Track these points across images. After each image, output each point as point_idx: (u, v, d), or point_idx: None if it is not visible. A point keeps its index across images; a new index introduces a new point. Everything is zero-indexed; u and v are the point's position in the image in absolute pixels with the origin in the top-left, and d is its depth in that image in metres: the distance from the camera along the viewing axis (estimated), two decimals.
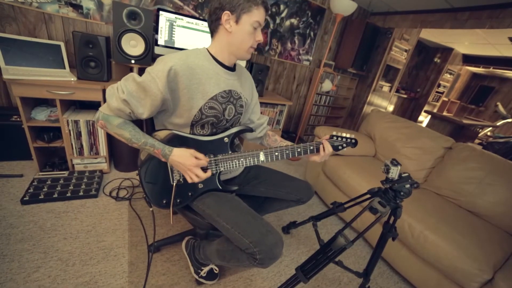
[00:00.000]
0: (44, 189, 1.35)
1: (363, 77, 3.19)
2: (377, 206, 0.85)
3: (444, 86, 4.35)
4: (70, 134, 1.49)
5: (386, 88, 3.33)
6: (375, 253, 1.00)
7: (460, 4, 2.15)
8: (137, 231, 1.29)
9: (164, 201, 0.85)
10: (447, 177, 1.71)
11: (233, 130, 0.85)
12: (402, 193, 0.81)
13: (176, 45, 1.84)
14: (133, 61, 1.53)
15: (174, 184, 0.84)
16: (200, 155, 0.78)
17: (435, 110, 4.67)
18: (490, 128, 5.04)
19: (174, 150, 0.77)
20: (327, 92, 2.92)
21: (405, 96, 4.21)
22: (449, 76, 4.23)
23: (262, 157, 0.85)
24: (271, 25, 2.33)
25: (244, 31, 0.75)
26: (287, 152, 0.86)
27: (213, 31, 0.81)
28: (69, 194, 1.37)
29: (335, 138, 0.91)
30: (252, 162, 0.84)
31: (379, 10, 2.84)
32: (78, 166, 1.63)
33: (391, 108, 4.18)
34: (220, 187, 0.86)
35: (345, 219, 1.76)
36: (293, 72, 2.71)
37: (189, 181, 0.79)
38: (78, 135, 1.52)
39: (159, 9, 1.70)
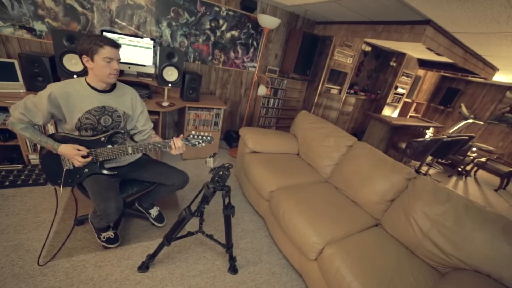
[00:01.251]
0: None
1: (311, 81, 3.49)
2: (205, 188, 1.17)
3: (403, 88, 4.60)
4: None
5: (334, 91, 3.62)
6: (226, 227, 1.32)
7: (376, 18, 2.44)
8: (72, 210, 1.64)
9: (59, 181, 1.21)
10: (342, 172, 2.00)
11: (107, 133, 1.20)
12: (217, 178, 1.13)
13: (121, 61, 2.17)
14: (75, 76, 1.87)
15: (65, 168, 1.20)
16: (81, 148, 1.13)
17: (397, 111, 4.92)
18: (455, 129, 5.29)
19: (61, 145, 1.12)
20: (267, 96, 3.22)
21: (364, 97, 4.48)
22: (406, 78, 4.48)
23: (130, 150, 1.19)
24: (212, 38, 2.65)
25: (99, 65, 1.08)
26: (149, 146, 1.19)
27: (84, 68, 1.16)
28: (19, 182, 1.73)
29: (191, 136, 1.22)
30: (122, 154, 1.19)
31: (320, 20, 3.13)
32: (34, 160, 1.99)
33: (350, 109, 4.46)
34: (101, 171, 1.23)
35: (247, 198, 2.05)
36: (239, 78, 3.03)
37: (76, 165, 1.14)
38: None
39: (102, 31, 2.04)
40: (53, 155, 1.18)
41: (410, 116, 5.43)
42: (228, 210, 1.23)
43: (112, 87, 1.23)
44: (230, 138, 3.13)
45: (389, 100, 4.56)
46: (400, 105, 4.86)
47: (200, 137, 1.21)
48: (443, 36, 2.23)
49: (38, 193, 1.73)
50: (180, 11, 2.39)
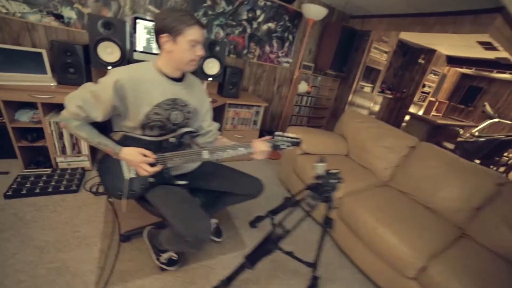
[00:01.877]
0: (26, 185, 1.47)
1: (344, 78, 3.29)
2: (308, 199, 0.96)
3: (430, 87, 4.43)
4: (52, 135, 1.62)
5: (367, 89, 3.43)
6: (320, 244, 1.11)
7: (428, 10, 2.25)
8: (112, 223, 1.41)
9: (119, 193, 0.98)
10: (408, 174, 1.81)
11: (180, 131, 0.97)
12: (327, 188, 0.92)
13: (154, 51, 1.95)
14: (109, 67, 1.65)
15: (128, 178, 0.96)
16: (148, 152, 0.91)
17: (421, 110, 4.76)
18: (479, 127, 5.14)
19: (123, 149, 0.89)
20: (308, 93, 3.02)
21: (390, 96, 4.30)
22: (434, 76, 4.31)
23: (206, 155, 0.96)
24: (248, 30, 2.44)
25: (182, 49, 0.86)
26: (228, 150, 0.97)
27: (159, 48, 0.91)
28: (50, 190, 1.49)
29: (277, 137, 1.01)
30: (196, 159, 0.97)
31: (358, 13, 2.94)
32: (62, 164, 1.75)
33: (376, 108, 4.27)
34: (170, 181, 0.98)
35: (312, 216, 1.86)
36: (273, 74, 2.82)
37: (141, 174, 0.91)
38: (60, 135, 1.64)
39: (135, 18, 1.81)
40: (113, 161, 0.96)
41: (433, 116, 5.27)
42: (329, 225, 1.02)
43: (182, 75, 1.00)
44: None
45: (415, 98, 4.39)
46: (425, 104, 4.70)
47: (287, 138, 1.00)
48: (509, 27, 2.05)
49: (72, 202, 1.50)
50: None
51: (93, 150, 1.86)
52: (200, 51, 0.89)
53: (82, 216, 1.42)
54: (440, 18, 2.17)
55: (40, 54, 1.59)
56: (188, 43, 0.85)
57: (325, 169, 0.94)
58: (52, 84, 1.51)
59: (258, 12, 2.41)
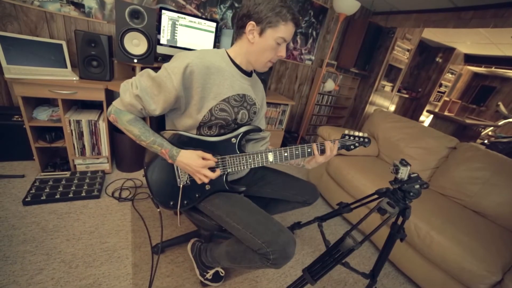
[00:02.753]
0: (46, 190, 1.33)
1: (365, 77, 3.18)
2: (385, 206, 0.84)
3: (446, 86, 4.34)
4: (72, 134, 1.48)
5: (388, 88, 3.32)
6: (383, 254, 0.99)
7: (464, 3, 2.14)
8: (140, 232, 1.28)
9: (172, 203, 0.84)
10: (451, 177, 1.70)
11: (241, 130, 0.84)
12: (411, 194, 0.80)
13: (178, 45, 1.83)
14: (135, 60, 1.51)
15: (181, 186, 0.82)
16: (208, 155, 0.77)
17: (436, 110, 4.66)
18: (492, 128, 5.05)
19: (182, 152, 0.75)
20: (329, 92, 2.90)
21: (406, 95, 4.20)
22: (450, 76, 4.22)
23: (271, 157, 0.83)
24: None
25: (266, 44, 0.73)
26: (297, 152, 0.84)
27: (236, 36, 0.79)
28: (71, 195, 1.35)
29: (347, 137, 0.89)
30: (260, 163, 0.83)
31: (382, 9, 2.83)
32: (80, 166, 1.61)
33: (392, 107, 4.16)
34: (228, 188, 0.85)
35: (349, 220, 1.74)
36: (295, 71, 2.70)
37: (198, 182, 0.78)
38: (80, 135, 1.51)
39: (161, 8, 1.68)
40: (164, 165, 0.82)
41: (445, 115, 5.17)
42: (401, 234, 0.89)
43: (252, 70, 0.86)
44: (284, 138, 2.78)
45: (431, 98, 4.29)
46: (440, 103, 4.60)
47: (356, 138, 0.87)
48: None
49: (95, 209, 1.36)
50: None
51: (113, 151, 1.72)
52: (282, 51, 0.77)
53: (108, 225, 1.28)
54: (479, 11, 2.06)
55: (60, 46, 1.45)
56: (275, 40, 0.73)
57: (409, 173, 0.81)
58: (74, 78, 1.37)
59: None
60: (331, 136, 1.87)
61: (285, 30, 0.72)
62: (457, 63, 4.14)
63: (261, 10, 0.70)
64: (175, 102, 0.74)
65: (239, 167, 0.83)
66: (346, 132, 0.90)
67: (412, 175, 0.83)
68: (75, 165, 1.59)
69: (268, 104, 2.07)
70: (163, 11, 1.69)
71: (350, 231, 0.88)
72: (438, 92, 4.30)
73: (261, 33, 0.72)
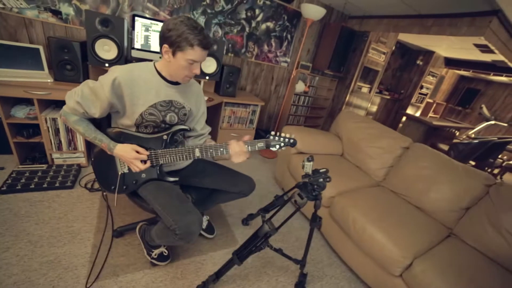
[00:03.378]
0: (22, 180, 1.48)
1: (342, 79, 3.30)
2: (296, 197, 0.97)
3: (427, 88, 4.45)
4: (48, 131, 1.63)
5: (365, 89, 3.44)
6: (308, 242, 1.13)
7: (426, 11, 2.26)
8: (105, 218, 1.42)
9: (113, 187, 1.00)
10: (401, 175, 1.83)
11: (173, 129, 0.99)
12: (315, 186, 0.94)
13: (152, 49, 1.96)
14: (107, 64, 1.66)
15: (120, 173, 0.98)
16: (141, 149, 0.92)
17: (419, 112, 4.77)
18: (476, 129, 5.16)
19: (118, 145, 0.90)
20: (305, 93, 3.03)
21: (388, 97, 4.31)
22: (431, 78, 4.32)
23: (197, 153, 0.97)
24: (247, 29, 2.44)
25: (179, 64, 0.86)
26: (221, 149, 0.98)
27: (160, 52, 0.91)
28: (45, 185, 1.51)
29: (271, 137, 1.01)
30: (188, 157, 0.98)
31: (356, 14, 2.95)
32: (58, 160, 1.76)
33: (374, 108, 4.29)
34: (160, 177, 1.00)
35: (304, 214, 1.88)
36: (271, 73, 2.83)
37: (133, 170, 0.93)
38: (57, 131, 1.65)
39: (134, 15, 1.82)
40: (107, 156, 0.97)
41: (430, 117, 5.28)
42: (317, 223, 1.04)
43: None
44: (259, 137, 2.91)
45: (413, 100, 4.40)
46: (422, 105, 4.71)
47: (281, 139, 1.00)
48: (505, 30, 2.06)
49: (66, 198, 1.51)
50: None
51: (89, 146, 1.87)
52: (196, 70, 0.89)
53: (76, 211, 1.43)
54: (438, 20, 2.19)
55: (37, 50, 1.59)
56: (185, 61, 0.85)
57: (313, 168, 0.95)
58: (49, 80, 1.52)
59: (257, 11, 2.42)
60: (293, 134, 2.00)
61: (193, 53, 0.83)
62: (437, 66, 4.25)
63: (172, 35, 0.80)
64: (111, 108, 0.89)
65: (169, 160, 0.97)
66: (273, 133, 1.02)
67: (321, 170, 0.96)
68: (52, 159, 1.75)
69: (238, 104, 2.21)
70: (136, 18, 1.83)
71: (268, 219, 1.02)
72: (420, 94, 4.41)
73: (173, 54, 0.84)
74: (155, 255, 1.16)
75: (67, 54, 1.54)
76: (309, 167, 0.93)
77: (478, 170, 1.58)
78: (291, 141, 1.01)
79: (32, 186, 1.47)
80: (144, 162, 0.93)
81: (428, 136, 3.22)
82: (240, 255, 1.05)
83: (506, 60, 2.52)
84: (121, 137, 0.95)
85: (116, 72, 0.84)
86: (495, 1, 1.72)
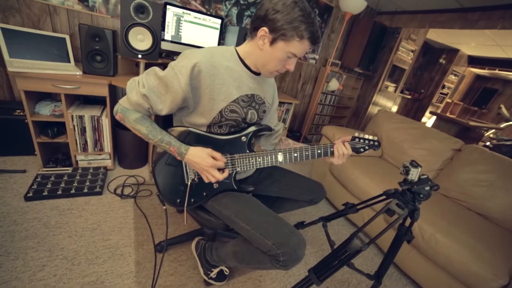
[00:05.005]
0: (48, 186, 1.31)
1: (369, 77, 3.16)
2: (394, 208, 0.82)
3: (449, 88, 4.32)
4: (74, 130, 1.46)
5: (391, 89, 3.31)
6: (388, 256, 0.98)
7: (471, 4, 2.12)
8: (143, 229, 1.27)
9: (178, 200, 0.83)
10: (456, 179, 1.69)
11: (251, 129, 0.82)
12: (421, 195, 0.79)
13: (183, 41, 1.81)
14: (140, 56, 1.49)
15: (189, 183, 0.81)
16: (217, 155, 0.76)
17: (438, 111, 4.65)
18: (493, 131, 5.05)
19: (191, 149, 0.74)
20: (332, 92, 2.89)
21: (409, 96, 4.18)
22: (453, 77, 4.20)
23: (280, 157, 0.82)
24: None
25: (274, 55, 0.70)
26: (307, 153, 0.82)
27: (250, 34, 0.75)
28: (73, 191, 1.34)
29: (357, 140, 0.87)
30: (269, 163, 0.82)
31: (387, 9, 2.81)
32: (82, 162, 1.60)
33: (394, 108, 4.15)
34: (236, 187, 0.84)
35: (352, 221, 1.74)
36: (298, 70, 2.68)
37: (206, 181, 0.77)
38: (83, 130, 1.49)
39: (166, 3, 1.66)
40: (173, 162, 0.80)
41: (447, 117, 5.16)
42: (410, 235, 0.88)
43: None
44: (291, 138, 2.77)
45: (434, 99, 4.27)
46: (442, 105, 4.59)
47: (366, 141, 0.85)
48: None
49: (97, 205, 1.34)
50: None
51: (116, 147, 1.71)
52: (291, 65, 0.74)
53: (110, 222, 1.26)
54: (486, 12, 2.04)
55: (63, 40, 1.43)
56: (285, 53, 0.69)
57: (420, 174, 0.80)
58: (78, 73, 1.35)
59: None
60: (335, 136, 1.86)
61: (298, 46, 0.68)
62: (460, 65, 4.13)
63: (278, 19, 0.64)
64: (183, 102, 0.72)
65: (248, 167, 0.81)
66: (356, 134, 0.88)
67: (422, 177, 0.81)
68: (77, 161, 1.58)
69: None
70: (168, 6, 1.67)
71: (357, 232, 0.87)
72: (441, 93, 4.29)
73: (272, 42, 0.68)
74: (214, 274, 0.99)
75: (98, 44, 1.37)
76: (415, 173, 0.78)
77: None
78: (376, 143, 0.86)
79: (60, 192, 1.30)
80: (222, 170, 0.77)
81: (459, 136, 3.08)
82: (319, 273, 0.89)
83: None
84: (188, 139, 0.78)
85: (196, 56, 0.67)
86: None
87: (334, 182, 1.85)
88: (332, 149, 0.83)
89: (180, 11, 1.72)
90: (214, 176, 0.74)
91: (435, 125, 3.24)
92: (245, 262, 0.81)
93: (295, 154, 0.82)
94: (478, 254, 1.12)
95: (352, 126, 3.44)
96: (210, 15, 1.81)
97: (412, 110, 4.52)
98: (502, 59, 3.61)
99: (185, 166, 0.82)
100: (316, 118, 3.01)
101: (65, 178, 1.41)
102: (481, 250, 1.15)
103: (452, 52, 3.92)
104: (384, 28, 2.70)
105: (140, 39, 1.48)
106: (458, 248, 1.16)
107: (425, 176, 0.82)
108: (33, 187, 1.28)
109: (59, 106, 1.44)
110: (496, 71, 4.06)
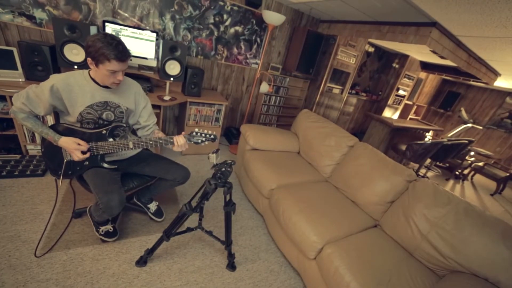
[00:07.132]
0: None
1: (314, 80, 3.47)
2: (206, 184, 1.16)
3: (405, 90, 4.59)
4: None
5: (336, 91, 3.61)
6: (227, 224, 1.32)
7: (381, 19, 2.42)
8: (69, 202, 1.63)
9: (59, 172, 1.19)
10: (343, 172, 2.00)
11: (109, 126, 1.19)
12: (219, 174, 1.12)
13: None
14: (76, 67, 1.84)
15: (65, 160, 1.19)
16: (82, 142, 1.12)
17: (397, 113, 4.93)
18: (454, 132, 5.31)
19: (62, 138, 1.10)
20: (269, 93, 3.20)
21: (365, 98, 4.47)
22: (408, 80, 4.47)
23: (131, 144, 1.17)
24: (216, 33, 2.61)
25: (102, 73, 1.04)
26: (151, 142, 1.17)
27: None
28: (16, 173, 1.70)
29: (194, 133, 1.20)
30: (123, 148, 1.17)
31: (325, 18, 3.10)
32: (32, 151, 1.96)
33: (350, 109, 4.45)
34: (100, 165, 1.21)
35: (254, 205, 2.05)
36: (241, 74, 3.00)
37: (75, 159, 1.13)
38: None
39: (104, 21, 2.00)
40: (55, 146, 1.16)
41: (410, 119, 5.43)
42: (229, 207, 1.23)
43: None
44: (231, 135, 3.11)
45: (390, 101, 4.55)
46: (400, 107, 4.86)
47: (203, 135, 1.19)
48: (448, 39, 2.22)
49: (36, 184, 1.71)
50: (184, 4, 2.35)
51: None
52: (119, 77, 1.08)
53: (42, 196, 1.63)
54: (392, 27, 2.35)
55: (11, 51, 1.78)
56: (107, 71, 1.03)
57: (221, 160, 1.13)
58: (21, 79, 1.71)
59: (225, 16, 2.58)
60: (247, 132, 2.18)
61: (111, 65, 1.00)
62: (414, 69, 4.39)
63: (91, 51, 0.98)
64: (54, 107, 1.09)
65: (108, 150, 1.18)
66: (196, 130, 1.21)
67: (228, 161, 1.15)
68: (27, 150, 1.94)
69: (202, 104, 2.39)
70: (106, 23, 2.01)
71: (188, 202, 1.21)
72: (397, 95, 4.57)
73: (96, 65, 1.03)
74: (102, 231, 1.35)
75: (37, 57, 1.72)
76: (213, 158, 1.12)
77: (404, 167, 1.75)
78: (212, 136, 1.19)
79: (4, 173, 1.67)
80: (84, 152, 1.13)
81: (393, 136, 3.39)
82: (168, 233, 1.25)
83: (460, 67, 2.68)
84: (67, 132, 1.15)
85: (54, 80, 1.04)
86: (430, 15, 1.88)
87: (244, 173, 2.16)
88: (172, 140, 1.17)
89: (118, 27, 2.05)
90: (77, 155, 1.11)
91: (372, 125, 3.53)
92: (95, 212, 1.26)
93: (142, 143, 1.17)
94: (314, 228, 1.40)
95: None
96: (146, 29, 2.14)
97: (371, 111, 4.81)
98: (444, 66, 3.87)
99: (64, 150, 1.19)
100: (262, 117, 3.34)
101: (12, 163, 1.78)
102: (319, 225, 1.42)
103: (403, 57, 4.19)
104: (319, 35, 3.00)
105: (75, 53, 1.83)
106: (302, 224, 1.44)
107: (230, 161, 1.15)
108: None
109: (7, 105, 1.80)
110: (446, 76, 4.31)
